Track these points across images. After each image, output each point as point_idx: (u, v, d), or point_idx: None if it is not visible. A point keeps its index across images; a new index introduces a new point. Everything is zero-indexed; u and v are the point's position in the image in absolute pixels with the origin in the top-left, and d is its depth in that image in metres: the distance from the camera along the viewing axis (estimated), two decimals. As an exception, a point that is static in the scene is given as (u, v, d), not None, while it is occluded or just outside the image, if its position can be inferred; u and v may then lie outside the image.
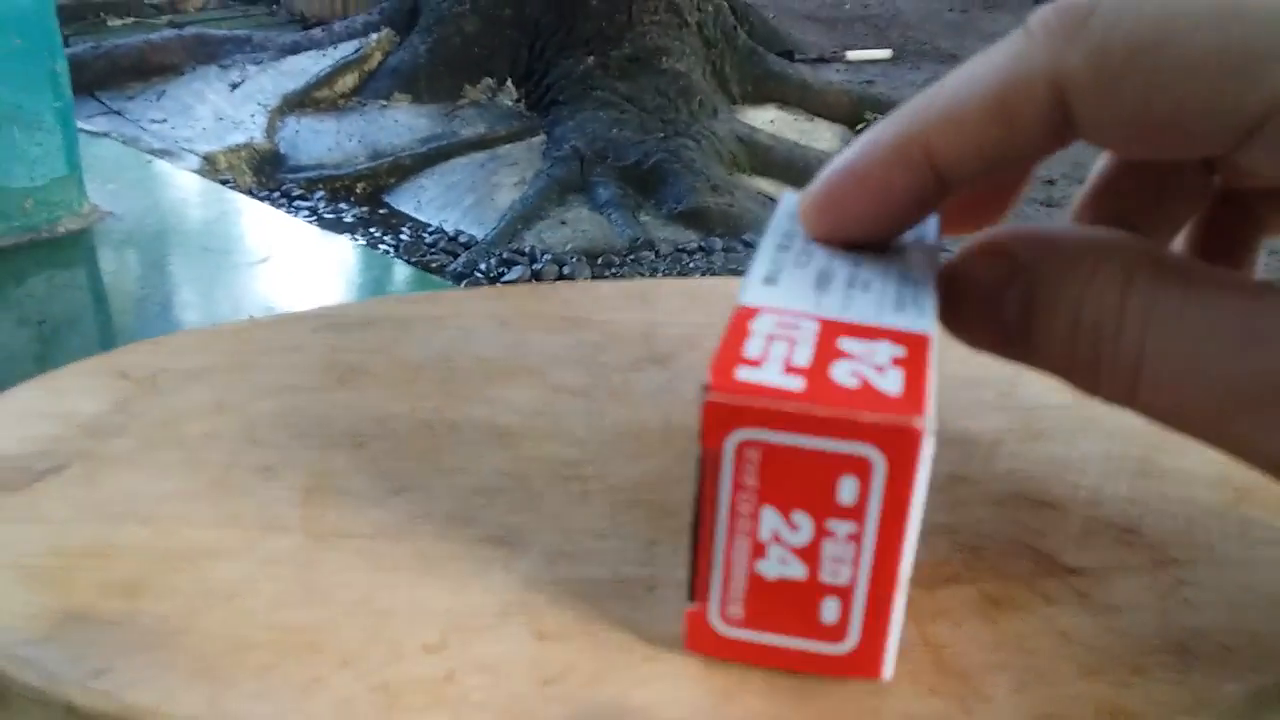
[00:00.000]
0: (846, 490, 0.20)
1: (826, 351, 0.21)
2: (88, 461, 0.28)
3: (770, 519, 0.20)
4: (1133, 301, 0.21)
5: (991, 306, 0.24)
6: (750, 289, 0.23)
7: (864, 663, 0.21)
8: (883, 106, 3.32)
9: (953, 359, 0.27)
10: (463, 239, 2.72)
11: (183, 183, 0.83)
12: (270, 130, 3.29)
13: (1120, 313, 0.22)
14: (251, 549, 0.25)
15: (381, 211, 2.95)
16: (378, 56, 3.63)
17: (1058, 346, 0.23)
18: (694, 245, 2.59)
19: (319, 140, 3.31)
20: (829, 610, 0.21)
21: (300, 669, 0.22)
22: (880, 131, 0.24)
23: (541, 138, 3.15)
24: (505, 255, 2.53)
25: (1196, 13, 0.20)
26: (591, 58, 3.26)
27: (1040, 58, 0.22)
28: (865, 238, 0.25)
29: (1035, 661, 0.22)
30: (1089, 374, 0.22)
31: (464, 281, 2.43)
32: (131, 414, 0.30)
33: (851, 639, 0.21)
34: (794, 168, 2.93)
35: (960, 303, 0.25)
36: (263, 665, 0.22)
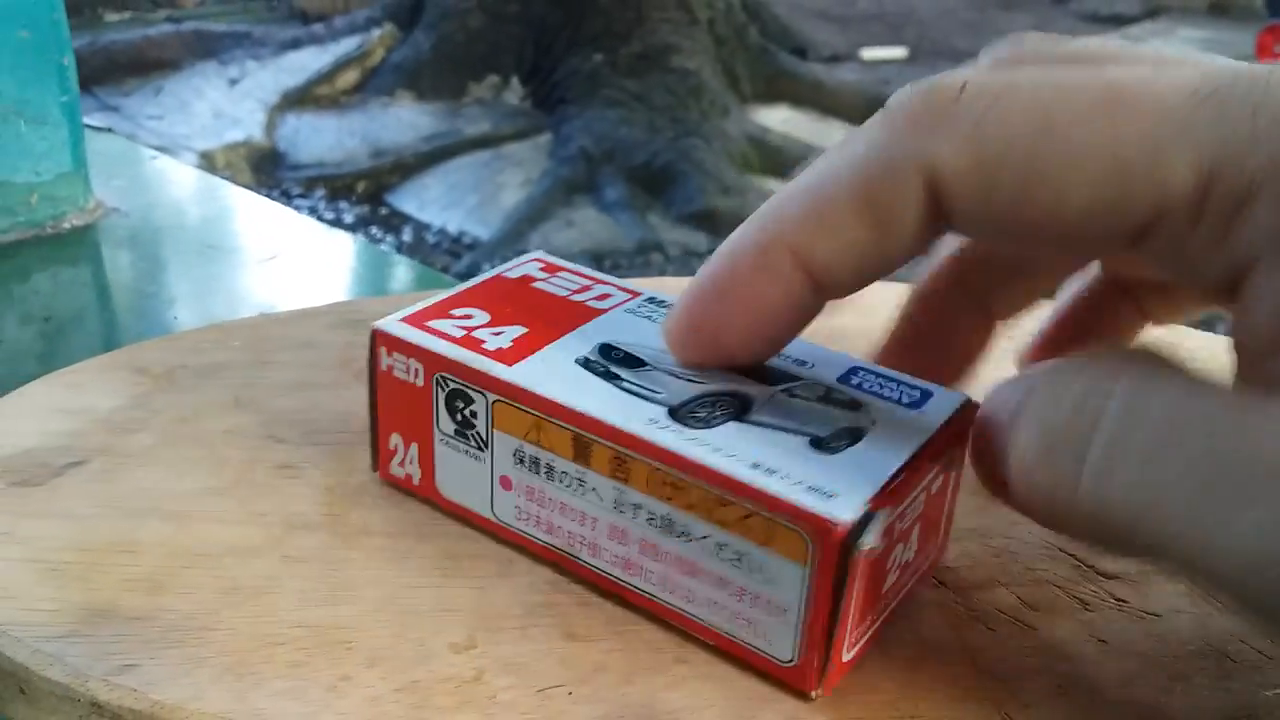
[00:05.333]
0: None
1: None
2: (108, 457, 0.28)
3: None
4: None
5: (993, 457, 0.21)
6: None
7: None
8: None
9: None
10: (466, 240, 2.72)
11: (188, 179, 0.82)
12: (269, 128, 3.28)
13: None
14: (276, 546, 0.25)
15: (383, 211, 2.95)
16: (380, 53, 3.62)
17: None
18: (704, 248, 2.58)
19: (319, 138, 3.30)
20: None
21: (329, 667, 0.22)
22: (743, 237, 0.22)
23: (548, 137, 3.14)
24: (509, 256, 2.53)
25: (1078, 100, 0.19)
26: (599, 55, 3.25)
27: (907, 145, 0.20)
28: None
29: (1074, 668, 0.22)
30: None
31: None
32: (150, 410, 0.30)
33: None
34: (807, 168, 2.92)
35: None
36: (291, 663, 0.22)
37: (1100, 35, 0.20)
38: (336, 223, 2.81)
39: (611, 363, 0.24)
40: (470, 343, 0.25)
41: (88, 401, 0.30)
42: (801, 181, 0.21)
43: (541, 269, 0.29)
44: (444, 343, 0.25)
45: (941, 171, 0.19)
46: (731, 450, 0.21)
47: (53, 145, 0.63)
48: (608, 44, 3.30)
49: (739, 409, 0.23)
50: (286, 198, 2.89)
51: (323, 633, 0.22)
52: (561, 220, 2.70)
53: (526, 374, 0.24)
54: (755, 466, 0.21)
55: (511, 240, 2.61)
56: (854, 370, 0.25)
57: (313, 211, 2.86)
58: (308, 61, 3.62)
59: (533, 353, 0.24)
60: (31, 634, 0.22)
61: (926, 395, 0.24)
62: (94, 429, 0.29)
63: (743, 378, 0.24)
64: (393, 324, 0.26)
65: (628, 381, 0.24)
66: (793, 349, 0.25)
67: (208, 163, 2.95)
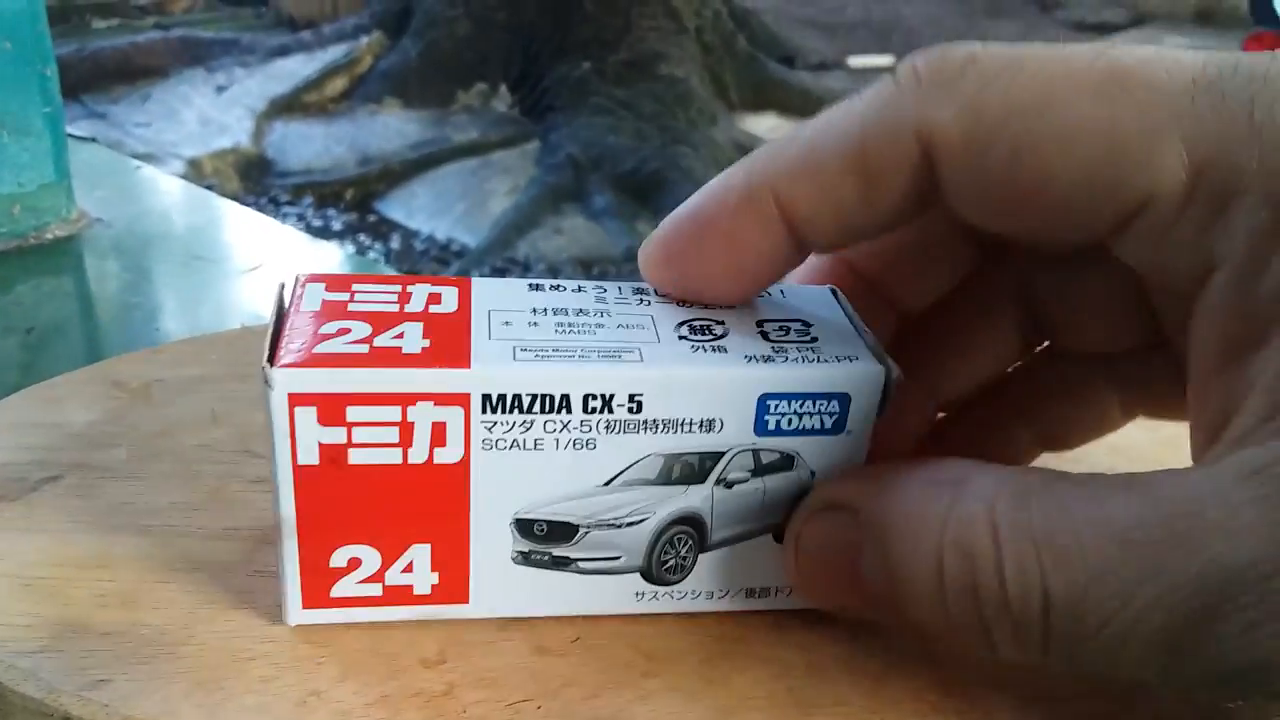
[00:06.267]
0: None
1: None
2: (84, 472, 0.28)
3: None
4: (1006, 527, 0.18)
5: (848, 571, 0.21)
6: None
7: None
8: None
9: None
10: (454, 247, 2.71)
11: (172, 189, 0.82)
12: (257, 135, 3.27)
13: (995, 546, 0.18)
14: (249, 561, 0.25)
15: (371, 218, 2.94)
16: (368, 60, 3.62)
17: (928, 604, 0.19)
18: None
19: (307, 145, 3.29)
20: None
21: (300, 682, 0.22)
22: (730, 177, 0.22)
23: (536, 144, 3.14)
24: (498, 264, 2.52)
25: (1080, 80, 0.19)
26: (588, 63, 3.26)
27: (907, 108, 0.20)
28: (714, 297, 0.23)
29: (1038, 680, 0.22)
30: (976, 630, 0.19)
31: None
32: (126, 424, 0.30)
33: None
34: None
35: (814, 570, 0.22)
36: (262, 678, 0.22)
37: (1087, 44, 0.20)
38: (324, 230, 2.80)
39: (546, 543, 0.23)
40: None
41: (64, 416, 0.30)
42: (799, 133, 0.21)
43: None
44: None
45: (937, 136, 0.19)
46: (722, 588, 0.24)
47: (35, 156, 0.63)
48: (596, 52, 3.30)
49: (695, 534, 0.23)
50: (274, 205, 2.89)
51: (294, 647, 0.23)
52: (549, 228, 2.70)
53: (488, 605, 0.23)
54: (750, 594, 0.24)
55: (499, 248, 2.61)
56: (763, 405, 0.22)
57: (300, 219, 2.85)
58: (296, 69, 3.61)
59: (457, 591, 0.23)
60: (4, 649, 0.22)
61: (844, 403, 0.22)
62: (69, 444, 0.29)
63: (669, 486, 0.22)
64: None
65: (583, 562, 0.23)
66: (686, 403, 0.22)
67: (195, 170, 2.95)
